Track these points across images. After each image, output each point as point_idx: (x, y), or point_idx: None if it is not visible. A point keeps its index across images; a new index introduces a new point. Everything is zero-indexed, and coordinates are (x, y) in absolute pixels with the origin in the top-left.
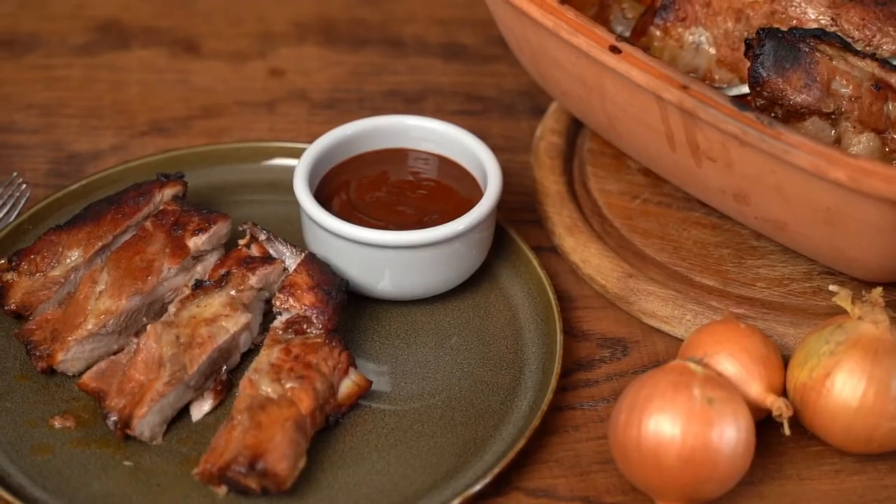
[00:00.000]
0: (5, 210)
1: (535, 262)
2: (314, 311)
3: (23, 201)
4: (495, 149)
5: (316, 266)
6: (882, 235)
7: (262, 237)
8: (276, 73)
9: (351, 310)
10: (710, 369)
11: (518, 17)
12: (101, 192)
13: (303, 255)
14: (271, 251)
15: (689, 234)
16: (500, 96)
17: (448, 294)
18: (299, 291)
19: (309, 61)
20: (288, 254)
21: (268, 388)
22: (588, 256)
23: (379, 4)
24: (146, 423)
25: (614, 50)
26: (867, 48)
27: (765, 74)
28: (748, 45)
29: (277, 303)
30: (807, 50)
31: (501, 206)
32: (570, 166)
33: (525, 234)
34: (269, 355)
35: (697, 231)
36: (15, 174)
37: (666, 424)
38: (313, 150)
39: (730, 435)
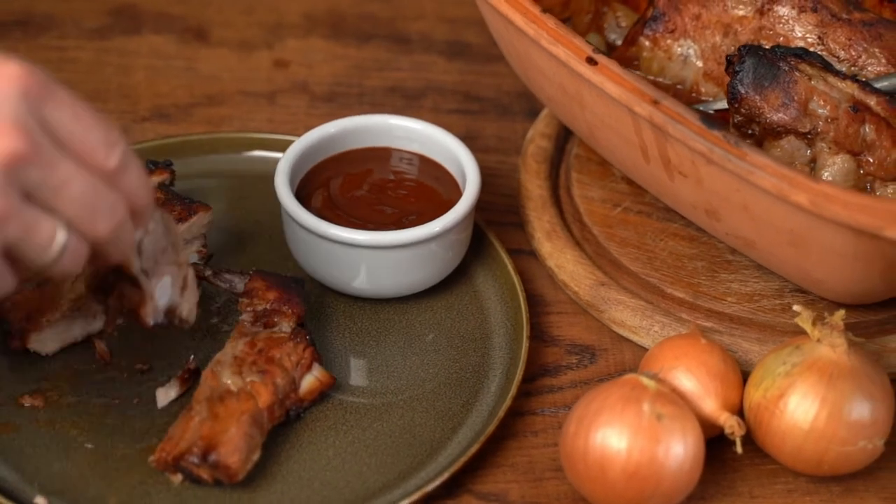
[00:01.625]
0: None
1: (509, 265)
2: (280, 303)
3: None
4: (487, 149)
5: (268, 274)
6: (844, 260)
7: (208, 273)
8: (281, 65)
9: (324, 305)
10: (663, 384)
11: (504, 23)
12: None
13: (251, 271)
14: (220, 284)
15: (665, 245)
16: (498, 97)
17: (423, 294)
18: (261, 292)
19: (314, 54)
20: (237, 280)
21: (228, 381)
22: (563, 262)
23: (389, 0)
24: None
25: (590, 61)
26: (852, 68)
27: (743, 91)
28: (729, 61)
29: (242, 307)
30: (786, 69)
31: (487, 207)
32: (557, 171)
33: (507, 236)
34: (234, 347)
35: (674, 242)
36: None
37: (613, 438)
38: (297, 146)
39: (676, 452)
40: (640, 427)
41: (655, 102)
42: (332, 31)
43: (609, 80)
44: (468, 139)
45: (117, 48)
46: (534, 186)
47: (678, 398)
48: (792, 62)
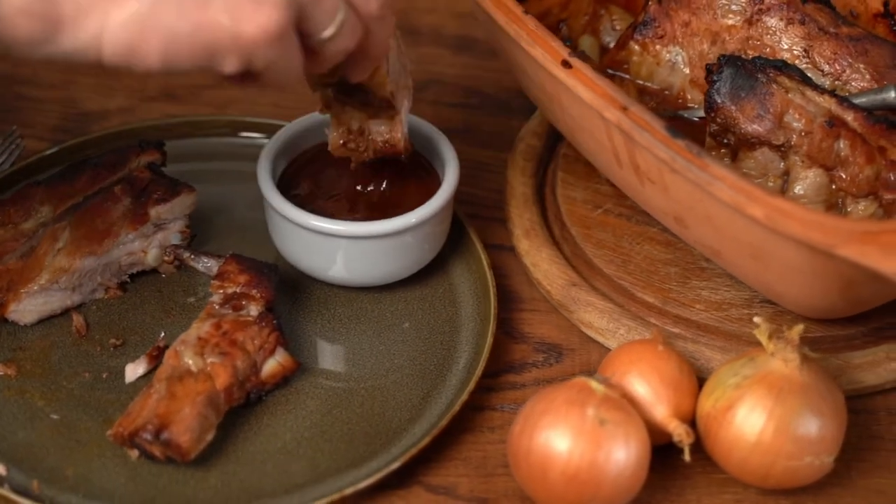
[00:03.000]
0: (0, 161)
1: (484, 260)
2: (250, 287)
3: (17, 153)
4: (483, 144)
5: (242, 258)
6: (803, 276)
7: (187, 255)
8: None
9: (300, 291)
10: (614, 389)
11: (490, 22)
12: (91, 152)
13: (227, 255)
14: (199, 267)
15: (640, 249)
16: (499, 93)
17: (399, 284)
18: (232, 275)
19: None
20: (213, 262)
21: (189, 361)
22: (539, 261)
23: None
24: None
25: (565, 64)
26: (836, 83)
27: (719, 101)
28: (709, 69)
29: (213, 289)
30: (763, 80)
31: (474, 201)
32: (545, 170)
33: (491, 232)
34: (199, 328)
35: (650, 247)
36: (14, 128)
37: (555, 440)
38: (282, 134)
39: (618, 458)
40: (582, 431)
41: (624, 108)
42: None
43: (581, 84)
44: (465, 133)
45: None
46: (518, 184)
47: (626, 404)
48: (771, 74)
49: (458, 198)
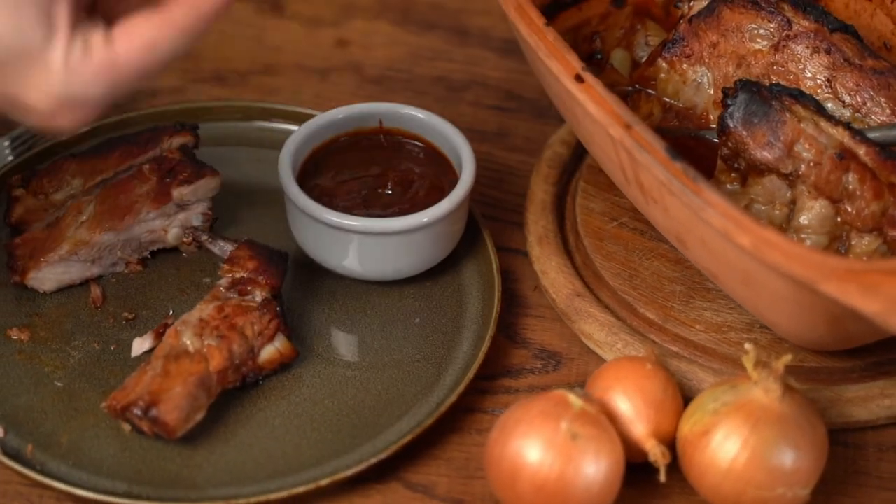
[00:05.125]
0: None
1: (494, 263)
2: (258, 273)
3: None
4: (514, 148)
5: (256, 245)
6: (791, 307)
7: (205, 237)
8: (342, 44)
9: (313, 280)
10: (593, 404)
11: (515, 30)
12: (130, 130)
13: (243, 240)
14: (215, 250)
15: (649, 265)
16: (537, 98)
17: (410, 280)
18: (242, 261)
19: (376, 37)
20: (229, 247)
21: (188, 341)
22: (548, 268)
23: None
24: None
25: (578, 79)
26: (856, 115)
27: (732, 125)
28: (725, 93)
29: (222, 272)
30: (777, 108)
31: (497, 204)
32: (570, 178)
33: (509, 235)
34: (202, 310)
35: (659, 263)
36: None
37: (526, 450)
38: (306, 128)
39: (587, 472)
40: (553, 443)
41: (628, 127)
42: (400, 16)
43: (590, 100)
44: (498, 136)
45: None
46: (539, 190)
47: (602, 420)
48: (786, 102)
49: (482, 199)
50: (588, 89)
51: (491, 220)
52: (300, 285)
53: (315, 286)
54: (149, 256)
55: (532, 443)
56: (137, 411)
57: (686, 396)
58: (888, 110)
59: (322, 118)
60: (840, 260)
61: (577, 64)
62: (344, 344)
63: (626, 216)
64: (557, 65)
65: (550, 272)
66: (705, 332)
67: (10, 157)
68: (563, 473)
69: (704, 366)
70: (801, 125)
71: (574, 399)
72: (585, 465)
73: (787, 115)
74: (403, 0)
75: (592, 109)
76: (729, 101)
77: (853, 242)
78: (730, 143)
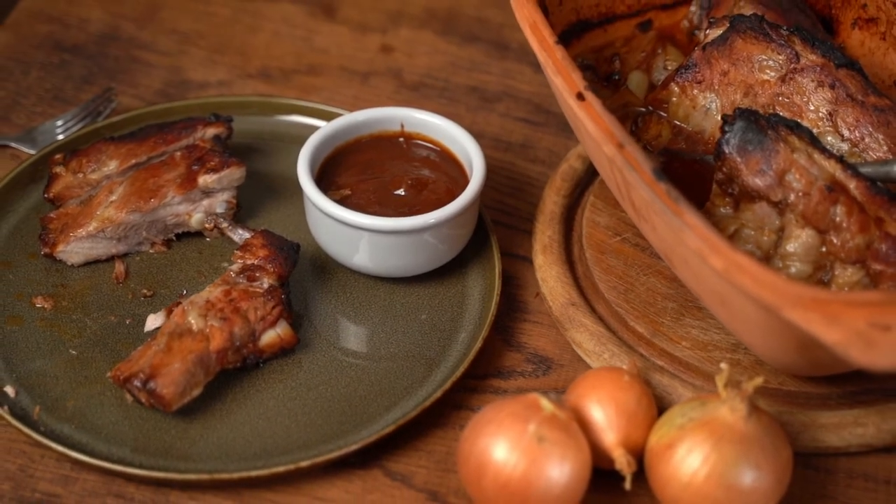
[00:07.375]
0: (93, 114)
1: (497, 267)
2: (267, 261)
3: (109, 109)
4: (536, 160)
5: (270, 234)
6: (760, 329)
7: (225, 224)
8: (386, 50)
9: (325, 272)
10: (562, 409)
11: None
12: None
13: (259, 230)
14: (234, 237)
15: (646, 280)
16: (563, 113)
17: (417, 279)
18: (254, 248)
19: (420, 45)
20: (247, 235)
21: (192, 320)
22: (548, 277)
23: (505, 8)
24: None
25: (580, 97)
26: (854, 149)
27: (727, 151)
28: (724, 119)
29: (235, 258)
30: (773, 138)
31: (512, 212)
32: (583, 192)
33: (518, 242)
34: (211, 292)
35: (655, 279)
36: (113, 87)
37: (492, 448)
38: (328, 128)
39: (549, 475)
40: (519, 444)
41: (620, 146)
42: (444, 27)
43: (588, 118)
44: (523, 147)
45: (254, 10)
46: (550, 201)
47: (572, 425)
48: (782, 132)
49: (498, 207)
50: (587, 107)
51: (504, 227)
52: (313, 276)
53: (326, 278)
54: (174, 239)
55: (499, 442)
56: (137, 383)
57: (664, 410)
58: (885, 147)
59: (344, 119)
60: (806, 288)
61: (580, 83)
62: (346, 334)
63: (630, 232)
64: (562, 81)
65: (550, 280)
66: (691, 349)
67: (60, 137)
68: (526, 474)
69: (686, 382)
70: (794, 156)
71: (546, 403)
72: (549, 468)
73: (782, 145)
74: (450, 12)
75: (590, 126)
76: (726, 128)
77: (836, 273)
78: (724, 169)
